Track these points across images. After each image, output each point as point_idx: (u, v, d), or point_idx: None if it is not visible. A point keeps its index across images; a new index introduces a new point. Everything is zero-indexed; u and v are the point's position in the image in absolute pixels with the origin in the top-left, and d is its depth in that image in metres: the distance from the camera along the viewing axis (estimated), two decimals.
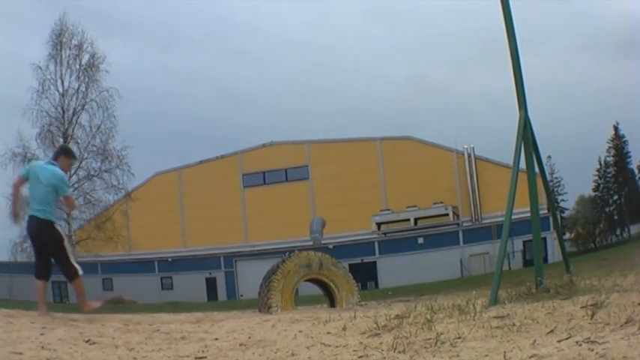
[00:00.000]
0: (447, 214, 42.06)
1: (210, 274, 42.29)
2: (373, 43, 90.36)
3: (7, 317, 5.83)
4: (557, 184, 64.29)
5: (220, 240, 44.48)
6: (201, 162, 49.42)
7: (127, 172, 33.51)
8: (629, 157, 63.52)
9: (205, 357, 3.81)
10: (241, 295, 37.75)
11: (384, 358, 3.28)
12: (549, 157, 61.38)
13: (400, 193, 43.16)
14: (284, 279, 8.63)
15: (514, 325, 3.63)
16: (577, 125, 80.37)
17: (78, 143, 33.36)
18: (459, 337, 3.50)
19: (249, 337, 4.53)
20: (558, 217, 28.19)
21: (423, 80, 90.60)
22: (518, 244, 34.32)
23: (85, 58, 33.51)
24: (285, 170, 47.01)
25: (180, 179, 48.76)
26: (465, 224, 42.74)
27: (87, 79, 33.37)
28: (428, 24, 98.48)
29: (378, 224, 43.42)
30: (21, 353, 3.62)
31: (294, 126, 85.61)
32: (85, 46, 33.48)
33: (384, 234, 42.74)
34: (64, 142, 32.81)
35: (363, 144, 46.41)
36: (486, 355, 2.99)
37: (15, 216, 7.06)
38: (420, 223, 41.98)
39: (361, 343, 3.81)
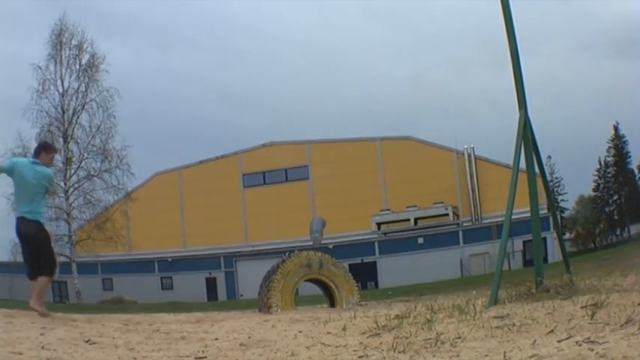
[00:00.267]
0: (447, 214, 42.07)
1: (210, 274, 42.28)
2: (373, 43, 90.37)
3: (7, 317, 5.83)
4: (557, 184, 64.28)
5: (220, 240, 44.48)
6: (201, 162, 49.42)
7: (127, 172, 33.60)
8: (629, 157, 63.52)
9: (205, 357, 3.81)
10: (241, 295, 37.74)
11: (384, 358, 3.28)
12: (549, 157, 61.44)
13: (400, 193, 43.16)
14: (284, 279, 8.64)
15: (514, 325, 3.63)
16: (577, 125, 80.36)
17: (78, 143, 33.44)
18: (459, 337, 3.50)
19: (249, 337, 4.53)
20: (558, 217, 28.20)
21: (423, 80, 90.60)
22: (518, 244, 34.32)
23: (85, 58, 33.61)
24: (285, 170, 47.01)
25: (180, 179, 48.76)
26: (465, 224, 42.73)
27: (87, 79, 33.44)
28: (428, 24, 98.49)
29: (378, 224, 43.42)
30: (21, 353, 3.62)
31: (294, 126, 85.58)
32: (84, 46, 33.59)
33: (384, 234, 42.75)
34: (64, 142, 32.86)
35: (363, 144, 46.41)
36: (486, 355, 2.99)
37: None
38: (420, 223, 41.98)
39: (361, 343, 3.81)
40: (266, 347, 3.98)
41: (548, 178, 25.65)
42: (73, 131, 33.16)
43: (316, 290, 9.95)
